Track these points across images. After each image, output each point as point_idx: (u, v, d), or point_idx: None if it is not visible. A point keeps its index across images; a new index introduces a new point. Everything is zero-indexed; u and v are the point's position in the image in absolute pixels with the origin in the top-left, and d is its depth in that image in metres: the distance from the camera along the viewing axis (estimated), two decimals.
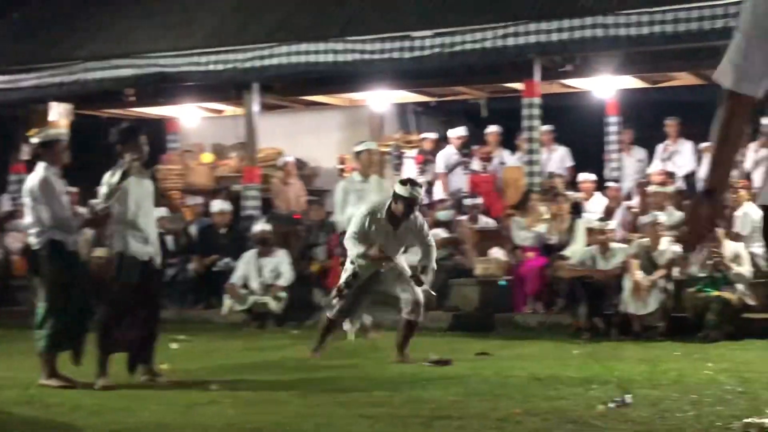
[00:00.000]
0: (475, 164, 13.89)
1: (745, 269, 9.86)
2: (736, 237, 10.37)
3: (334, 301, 8.51)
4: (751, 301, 9.76)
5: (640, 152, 13.79)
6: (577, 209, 12.01)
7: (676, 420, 5.52)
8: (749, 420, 5.27)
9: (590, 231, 10.85)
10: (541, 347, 9.27)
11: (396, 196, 8.15)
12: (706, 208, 2.76)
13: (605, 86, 13.54)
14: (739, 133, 2.77)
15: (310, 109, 16.01)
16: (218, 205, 13.40)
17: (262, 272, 12.03)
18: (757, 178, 12.08)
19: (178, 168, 15.30)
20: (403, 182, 8.29)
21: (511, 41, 11.67)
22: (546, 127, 13.54)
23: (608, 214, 11.99)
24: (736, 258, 9.89)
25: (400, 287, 8.35)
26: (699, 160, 13.14)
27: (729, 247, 9.93)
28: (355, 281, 8.33)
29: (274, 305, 11.79)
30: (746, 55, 2.76)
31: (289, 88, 14.72)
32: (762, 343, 8.65)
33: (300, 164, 15.20)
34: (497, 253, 11.77)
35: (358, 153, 10.55)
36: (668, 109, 13.89)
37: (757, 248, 10.36)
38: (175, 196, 14.16)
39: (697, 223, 2.78)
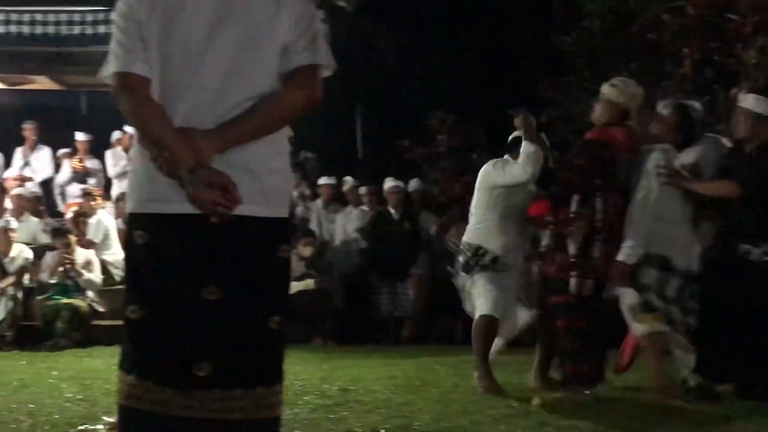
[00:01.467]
0: None
1: (96, 276, 9.92)
2: (89, 244, 10.39)
3: None
4: (100, 309, 9.83)
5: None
6: None
7: (16, 431, 5.31)
8: (84, 427, 5.25)
9: None
10: None
11: None
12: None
13: None
14: (155, 112, 2.72)
15: None
16: None
17: None
18: (119, 187, 12.21)
19: None
20: None
21: None
22: None
23: None
24: (88, 265, 9.91)
25: None
26: (57, 166, 12.97)
27: (81, 254, 9.91)
28: None
29: None
30: (129, 37, 2.74)
31: None
32: (108, 350, 8.71)
33: None
34: None
35: None
36: (28, 113, 13.54)
37: (109, 256, 10.49)
38: None
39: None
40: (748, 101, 6.09)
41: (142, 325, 2.79)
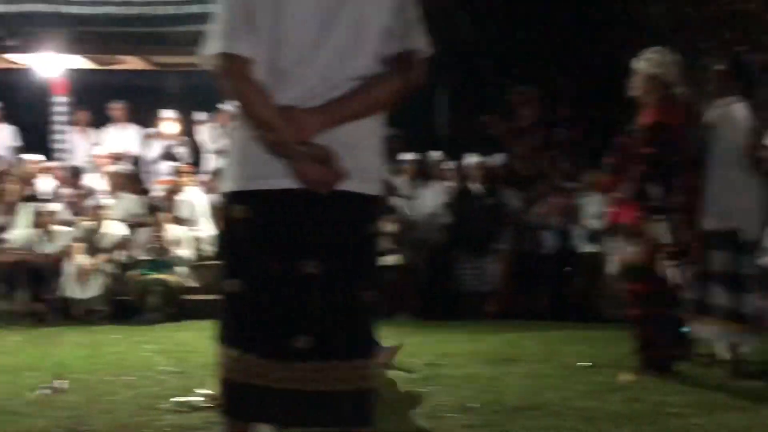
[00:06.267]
0: None
1: (186, 252, 10.12)
2: (179, 221, 10.59)
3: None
4: (192, 283, 10.03)
5: (92, 134, 13.49)
6: (24, 190, 11.50)
7: (111, 403, 5.48)
8: (179, 399, 5.39)
9: (34, 213, 10.47)
10: None
11: None
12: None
13: (53, 64, 13.10)
14: (259, 92, 2.73)
15: None
16: None
17: None
18: (214, 163, 12.36)
19: None
20: None
21: None
22: None
23: (55, 196, 11.63)
24: (178, 241, 10.11)
25: None
26: (145, 144, 13.21)
27: (171, 231, 10.12)
28: None
29: None
30: (236, 17, 2.74)
31: None
32: (200, 324, 8.88)
33: None
34: None
35: None
36: (117, 92, 13.80)
37: (200, 231, 10.68)
38: None
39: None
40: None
41: (242, 298, 2.85)
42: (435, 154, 12.26)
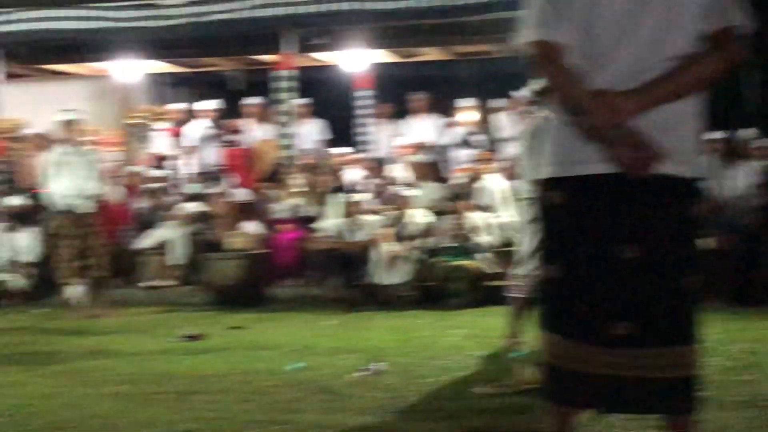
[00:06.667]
0: (229, 137, 13.67)
1: (489, 238, 10.22)
2: (479, 207, 10.72)
3: None
4: (495, 269, 10.12)
5: (394, 125, 13.92)
6: (333, 181, 12.08)
7: (426, 385, 5.64)
8: (488, 386, 5.45)
9: (344, 203, 10.96)
10: (295, 319, 9.27)
11: None
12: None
13: (357, 59, 13.65)
14: (573, 78, 2.74)
15: (56, 79, 15.21)
16: None
17: (10, 248, 11.50)
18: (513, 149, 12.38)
19: None
20: None
21: (264, 12, 11.56)
22: (301, 101, 13.52)
23: (362, 186, 12.11)
24: (480, 228, 10.23)
25: None
26: (444, 133, 13.45)
27: (473, 218, 10.26)
28: None
29: (19, 283, 11.28)
30: (550, 4, 2.77)
31: (33, 56, 13.95)
32: (505, 310, 8.93)
33: (43, 136, 14.41)
34: (250, 226, 11.66)
35: (66, 123, 10.08)
36: (419, 83, 14.16)
37: (501, 218, 10.76)
38: None
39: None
40: None
41: (562, 284, 2.85)
42: (746, 132, 11.66)
